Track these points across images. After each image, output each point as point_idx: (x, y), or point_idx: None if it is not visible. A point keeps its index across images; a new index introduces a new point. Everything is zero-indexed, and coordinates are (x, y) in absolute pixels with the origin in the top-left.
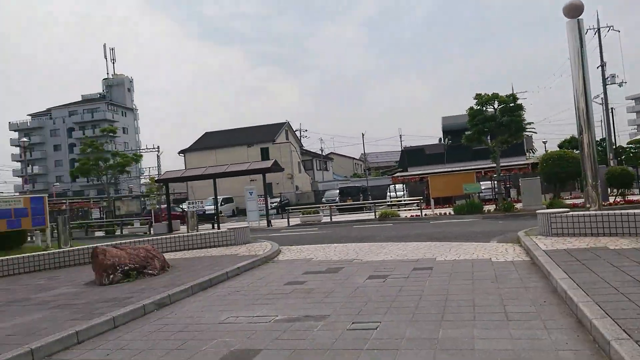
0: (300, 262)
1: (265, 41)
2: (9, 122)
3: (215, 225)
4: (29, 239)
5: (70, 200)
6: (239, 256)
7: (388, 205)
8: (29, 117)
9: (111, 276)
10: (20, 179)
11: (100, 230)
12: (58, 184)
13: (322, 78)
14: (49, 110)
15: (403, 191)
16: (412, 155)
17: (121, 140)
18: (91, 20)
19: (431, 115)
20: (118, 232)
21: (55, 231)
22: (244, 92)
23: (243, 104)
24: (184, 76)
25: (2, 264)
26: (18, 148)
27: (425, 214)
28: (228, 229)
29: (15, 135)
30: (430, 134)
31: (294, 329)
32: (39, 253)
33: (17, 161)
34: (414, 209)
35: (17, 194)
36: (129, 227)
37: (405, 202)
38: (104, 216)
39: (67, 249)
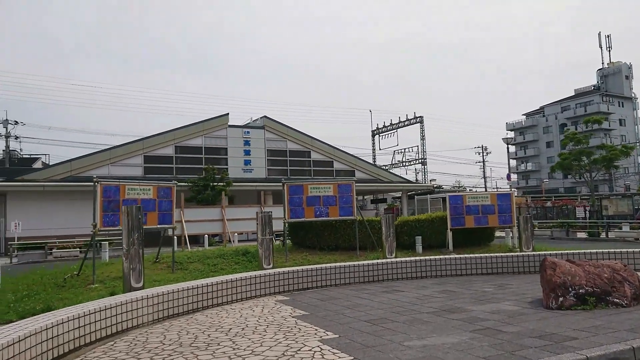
0: None
1: None
2: (506, 123)
3: None
4: (497, 235)
5: (556, 197)
6: None
7: None
8: (524, 117)
9: (560, 299)
10: (515, 176)
11: (582, 232)
12: (547, 180)
13: None
14: (541, 108)
15: None
16: None
17: (617, 132)
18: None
19: None
20: (603, 235)
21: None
22: None
23: None
24: None
25: (457, 262)
26: (514, 147)
27: None
28: None
29: (512, 134)
30: None
31: None
32: (496, 254)
33: (512, 159)
34: None
35: (513, 190)
36: (615, 230)
37: None
38: (589, 216)
39: (527, 252)
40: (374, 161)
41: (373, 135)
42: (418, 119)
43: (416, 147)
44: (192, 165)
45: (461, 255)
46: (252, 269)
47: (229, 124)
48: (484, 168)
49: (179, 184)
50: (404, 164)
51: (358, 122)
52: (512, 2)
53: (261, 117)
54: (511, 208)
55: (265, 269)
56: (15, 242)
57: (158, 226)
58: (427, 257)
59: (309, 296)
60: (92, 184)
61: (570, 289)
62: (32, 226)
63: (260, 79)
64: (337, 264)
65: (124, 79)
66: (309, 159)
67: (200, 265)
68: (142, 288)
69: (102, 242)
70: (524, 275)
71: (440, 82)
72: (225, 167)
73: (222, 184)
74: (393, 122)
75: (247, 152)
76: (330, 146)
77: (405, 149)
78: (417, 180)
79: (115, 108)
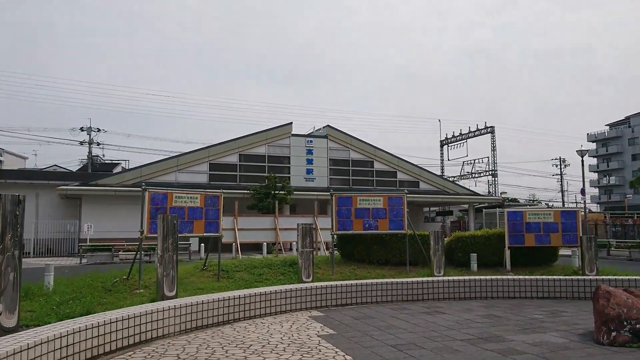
0: None
1: None
2: (587, 134)
3: None
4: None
5: (639, 214)
6: None
7: None
8: (607, 127)
9: (613, 334)
10: (597, 190)
11: None
12: (631, 195)
13: None
14: (627, 118)
15: None
16: None
17: None
18: None
19: None
20: None
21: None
22: None
23: None
24: None
25: (509, 284)
26: (595, 159)
27: None
28: None
29: (593, 146)
30: None
31: None
32: (552, 277)
33: (593, 172)
34: None
35: (586, 205)
36: None
37: None
38: None
39: (589, 276)
40: (442, 172)
41: (442, 146)
42: (489, 129)
43: (486, 159)
44: (255, 173)
45: (514, 277)
46: (296, 280)
47: (292, 132)
48: (561, 181)
49: (241, 191)
50: (474, 175)
51: (424, 132)
52: (591, 7)
53: (324, 127)
54: (577, 226)
55: (304, 281)
56: (87, 243)
57: (204, 234)
58: (475, 277)
59: (344, 313)
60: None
61: (625, 322)
62: (102, 228)
63: (332, 88)
64: (377, 281)
65: (196, 88)
66: (372, 169)
67: (246, 274)
68: (176, 296)
69: (155, 248)
70: (583, 301)
71: (512, 91)
72: (288, 175)
73: (283, 192)
74: (462, 132)
75: (310, 161)
76: (394, 156)
77: (474, 160)
78: (489, 192)
79: (188, 117)
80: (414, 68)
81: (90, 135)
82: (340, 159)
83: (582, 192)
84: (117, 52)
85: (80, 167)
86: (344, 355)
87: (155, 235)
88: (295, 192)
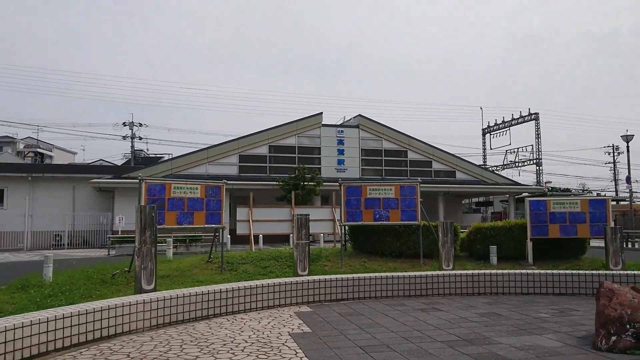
0: None
1: None
2: None
3: None
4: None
5: None
6: None
7: None
8: None
9: (612, 338)
10: None
11: None
12: None
13: None
14: None
15: None
16: None
17: None
18: None
19: None
20: None
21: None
22: None
23: None
24: None
25: (519, 279)
26: None
27: None
28: None
29: None
30: None
31: None
32: (564, 272)
33: None
34: None
35: None
36: None
37: None
38: None
39: (614, 271)
40: (485, 161)
41: (484, 134)
42: (532, 115)
43: (530, 147)
44: (285, 165)
45: (524, 271)
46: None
47: (322, 123)
48: (614, 169)
49: (271, 183)
50: (517, 164)
51: (464, 119)
52: None
53: (355, 116)
54: (606, 216)
55: (300, 275)
56: (118, 235)
57: (205, 225)
58: (482, 272)
59: (333, 309)
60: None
61: (628, 325)
62: (134, 220)
63: (360, 79)
64: (374, 275)
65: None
66: (405, 159)
67: (251, 267)
68: (154, 290)
69: (167, 239)
70: None
71: (558, 75)
72: (319, 166)
73: (312, 183)
74: (505, 120)
75: (341, 152)
76: (429, 145)
77: (518, 148)
78: (537, 182)
79: (222, 109)
80: (455, 58)
81: (132, 129)
82: (372, 149)
83: (628, 179)
84: (150, 47)
85: (125, 161)
86: (301, 358)
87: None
88: (325, 184)
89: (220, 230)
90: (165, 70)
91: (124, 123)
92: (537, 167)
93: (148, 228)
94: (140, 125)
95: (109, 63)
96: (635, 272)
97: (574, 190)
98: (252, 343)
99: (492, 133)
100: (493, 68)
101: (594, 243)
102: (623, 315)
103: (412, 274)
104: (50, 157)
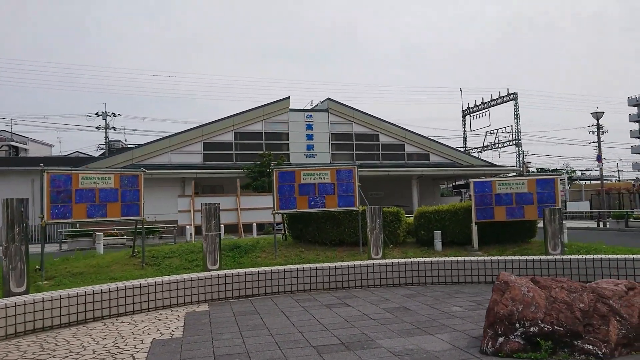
0: None
1: None
2: (628, 98)
3: None
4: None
5: None
6: None
7: None
8: None
9: (499, 339)
10: (639, 157)
11: None
12: None
13: None
14: None
15: None
16: None
17: None
18: None
19: None
20: None
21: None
22: None
23: None
24: None
25: (445, 267)
26: (637, 124)
27: None
28: None
29: (634, 110)
30: None
31: None
32: (490, 258)
33: (635, 137)
34: None
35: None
36: None
37: None
38: None
39: (552, 256)
40: (465, 143)
41: (464, 116)
42: (511, 95)
43: (510, 127)
44: (252, 152)
45: (447, 259)
46: (232, 266)
47: (290, 107)
48: (599, 148)
49: (237, 170)
50: (497, 145)
51: (443, 102)
52: None
53: (324, 100)
54: (555, 197)
55: (209, 269)
56: (69, 229)
57: (122, 218)
58: (402, 261)
59: (232, 308)
60: (152, 171)
61: (517, 324)
62: None
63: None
64: (288, 267)
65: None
66: (377, 143)
67: (178, 260)
68: (26, 292)
69: (97, 233)
70: None
71: (546, 58)
72: (287, 152)
73: None
74: (485, 101)
75: (310, 137)
76: (401, 128)
77: (497, 129)
78: (519, 163)
79: (197, 96)
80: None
81: (105, 120)
82: (342, 133)
83: (599, 158)
84: (133, 37)
85: (100, 153)
86: None
87: (60, 221)
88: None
89: (142, 222)
90: (142, 61)
91: (96, 113)
92: (517, 148)
93: (17, 224)
94: (114, 115)
95: (73, 53)
96: (572, 256)
97: (560, 170)
98: (99, 355)
99: (472, 115)
100: (475, 50)
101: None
102: (513, 312)
103: (329, 265)
104: (25, 150)
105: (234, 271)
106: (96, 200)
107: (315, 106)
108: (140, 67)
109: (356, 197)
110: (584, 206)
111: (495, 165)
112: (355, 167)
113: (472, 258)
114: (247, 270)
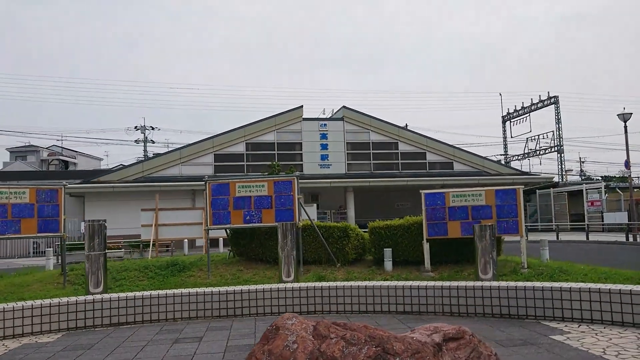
0: None
1: None
2: None
3: None
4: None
5: None
6: None
7: None
8: None
9: None
10: None
11: None
12: None
13: None
14: None
15: None
16: None
17: None
18: None
19: None
20: None
21: None
22: None
23: None
24: None
25: (335, 294)
26: None
27: None
28: None
29: None
30: None
31: None
32: (403, 284)
33: None
34: None
35: None
36: None
37: None
38: None
39: (482, 282)
40: (506, 151)
41: (503, 122)
42: (552, 99)
43: (551, 133)
44: (264, 162)
45: (344, 284)
46: (157, 286)
47: (303, 116)
48: (627, 153)
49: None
50: (538, 152)
51: (480, 108)
52: None
53: (339, 109)
54: (517, 210)
55: (92, 293)
56: (67, 242)
57: (39, 234)
58: (301, 285)
59: (75, 339)
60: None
61: None
62: None
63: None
64: (155, 292)
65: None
66: (396, 151)
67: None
68: None
69: (47, 249)
70: (447, 317)
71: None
72: (300, 163)
73: None
74: (525, 106)
75: (324, 147)
76: (422, 136)
77: (538, 135)
78: (563, 171)
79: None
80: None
81: (144, 133)
82: (359, 142)
83: (626, 164)
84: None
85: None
86: None
87: None
88: (308, 181)
89: (63, 239)
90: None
91: (135, 127)
92: (559, 155)
93: None
94: (153, 128)
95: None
96: (501, 283)
97: (615, 177)
98: None
99: (512, 120)
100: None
101: (512, 238)
102: None
103: (195, 290)
104: (75, 164)
105: (97, 297)
106: (8, 216)
107: (334, 114)
108: (175, 81)
109: (295, 211)
110: (621, 217)
111: (526, 173)
112: (295, 177)
113: (383, 283)
114: (113, 295)
